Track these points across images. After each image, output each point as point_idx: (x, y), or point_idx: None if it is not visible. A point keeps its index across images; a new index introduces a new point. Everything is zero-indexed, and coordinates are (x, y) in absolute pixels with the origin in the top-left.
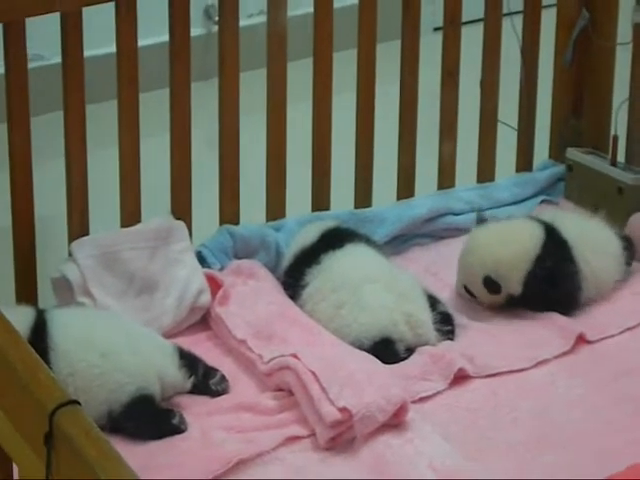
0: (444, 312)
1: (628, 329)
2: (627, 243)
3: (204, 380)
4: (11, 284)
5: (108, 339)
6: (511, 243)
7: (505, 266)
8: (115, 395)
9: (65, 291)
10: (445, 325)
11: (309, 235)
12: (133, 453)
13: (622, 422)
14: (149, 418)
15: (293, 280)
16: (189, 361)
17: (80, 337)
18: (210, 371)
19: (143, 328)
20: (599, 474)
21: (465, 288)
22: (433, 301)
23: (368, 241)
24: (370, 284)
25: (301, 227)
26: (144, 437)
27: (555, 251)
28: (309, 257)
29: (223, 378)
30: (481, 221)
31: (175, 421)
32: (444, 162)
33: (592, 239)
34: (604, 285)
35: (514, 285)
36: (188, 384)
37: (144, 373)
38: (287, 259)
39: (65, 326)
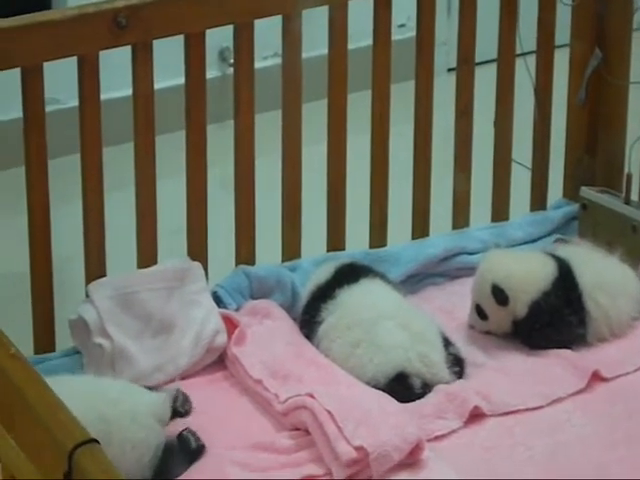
0: (455, 355)
1: None
2: None
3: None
4: (29, 326)
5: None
6: (524, 265)
7: (514, 281)
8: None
9: (82, 333)
10: (454, 367)
11: (324, 272)
12: None
13: (637, 460)
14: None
15: (309, 317)
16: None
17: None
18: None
19: (108, 381)
20: None
21: (477, 308)
22: (446, 342)
23: (383, 277)
24: (385, 321)
25: (316, 267)
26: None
27: (563, 291)
28: (324, 293)
29: (185, 397)
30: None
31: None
32: (458, 201)
33: (608, 280)
34: (618, 326)
35: (520, 306)
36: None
37: (154, 434)
38: (303, 298)
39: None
